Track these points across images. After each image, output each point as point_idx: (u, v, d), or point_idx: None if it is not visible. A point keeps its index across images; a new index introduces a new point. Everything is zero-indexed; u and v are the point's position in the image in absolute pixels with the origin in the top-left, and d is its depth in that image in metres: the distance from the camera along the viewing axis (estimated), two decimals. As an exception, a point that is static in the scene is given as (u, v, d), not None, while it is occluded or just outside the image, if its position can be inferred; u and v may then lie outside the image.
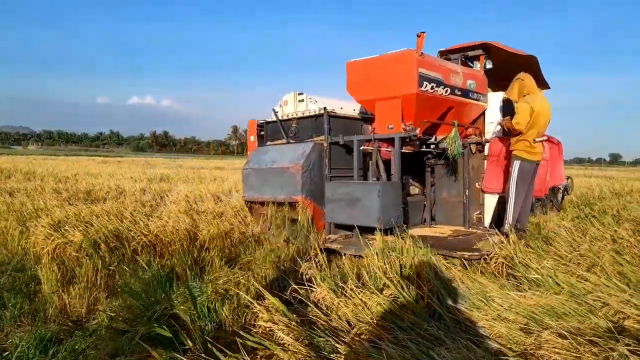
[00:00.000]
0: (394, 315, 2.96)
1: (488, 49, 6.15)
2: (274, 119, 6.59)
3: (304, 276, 3.67)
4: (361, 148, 5.75)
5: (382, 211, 5.03)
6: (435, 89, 5.23)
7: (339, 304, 3.10)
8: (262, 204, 6.27)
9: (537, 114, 5.16)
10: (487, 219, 6.11)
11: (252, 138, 7.01)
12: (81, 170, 17.77)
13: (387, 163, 5.61)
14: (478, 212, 6.23)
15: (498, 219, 5.96)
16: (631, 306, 3.88)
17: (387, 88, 5.24)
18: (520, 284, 4.00)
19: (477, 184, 6.23)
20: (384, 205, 5.04)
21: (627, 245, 5.37)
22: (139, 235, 5.65)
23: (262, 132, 6.96)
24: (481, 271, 4.18)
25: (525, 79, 5.41)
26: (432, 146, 5.94)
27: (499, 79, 6.31)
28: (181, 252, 5.38)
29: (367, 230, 5.35)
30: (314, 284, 3.39)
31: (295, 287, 3.36)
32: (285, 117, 6.53)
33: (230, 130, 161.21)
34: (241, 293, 3.48)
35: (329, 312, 3.04)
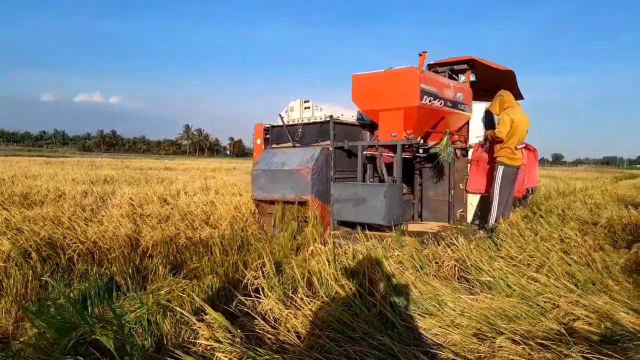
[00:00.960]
0: (345, 325, 2.81)
1: (472, 64, 6.76)
2: (280, 123, 7.00)
3: (249, 287, 3.45)
4: (364, 153, 6.32)
5: (388, 210, 5.61)
6: (432, 101, 5.89)
7: (287, 315, 2.92)
8: (271, 202, 6.65)
9: (516, 124, 5.93)
10: (470, 216, 6.81)
11: (259, 141, 7.30)
12: (20, 171, 16.75)
13: (387, 166, 6.25)
14: (462, 210, 6.88)
15: (479, 216, 6.69)
16: (580, 307, 3.92)
17: (391, 100, 5.82)
18: (473, 286, 3.95)
19: (461, 185, 6.86)
20: (389, 205, 5.61)
21: (574, 245, 5.47)
22: (75, 243, 5.27)
23: (268, 135, 7.29)
24: (434, 275, 4.10)
25: (505, 95, 6.20)
26: (423, 151, 6.59)
27: (481, 90, 7.00)
28: (122, 260, 5.06)
29: (370, 227, 5.90)
30: (262, 295, 3.20)
31: (242, 298, 3.14)
32: (290, 122, 6.95)
33: (182, 129, 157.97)
34: (177, 308, 3.21)
35: (277, 325, 2.86)
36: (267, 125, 7.30)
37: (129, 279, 4.70)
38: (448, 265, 4.21)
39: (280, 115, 7.04)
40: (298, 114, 6.95)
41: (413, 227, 6.55)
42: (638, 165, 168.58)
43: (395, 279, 3.48)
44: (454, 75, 6.87)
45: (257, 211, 7.03)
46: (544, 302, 3.92)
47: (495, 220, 6.01)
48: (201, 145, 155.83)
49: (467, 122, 6.93)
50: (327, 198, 6.26)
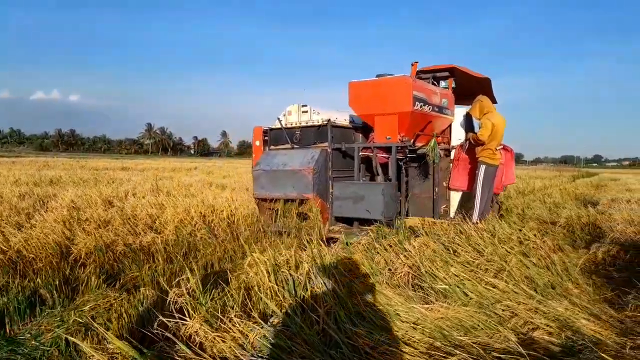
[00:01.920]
0: (280, 349, 2.47)
1: (453, 72, 7.25)
2: (278, 126, 7.37)
3: (172, 305, 3.04)
4: (360, 154, 6.77)
5: (385, 206, 6.14)
6: (423, 107, 6.42)
7: (214, 339, 2.55)
8: (272, 200, 6.95)
9: (496, 128, 6.45)
10: (452, 212, 7.28)
11: (258, 143, 7.61)
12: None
13: (382, 166, 6.69)
14: (445, 205, 7.33)
15: (461, 211, 6.95)
16: (540, 314, 3.71)
17: (386, 106, 6.33)
18: (427, 295, 3.68)
19: (444, 183, 7.32)
20: (386, 202, 6.15)
21: (533, 247, 5.30)
22: (-6, 252, 4.77)
23: (266, 138, 7.61)
24: (387, 282, 3.81)
25: (484, 100, 6.69)
26: (412, 152, 7.03)
27: (460, 95, 7.57)
28: (49, 270, 4.58)
29: (367, 223, 6.36)
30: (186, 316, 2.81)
31: (163, 319, 2.75)
32: (288, 125, 7.31)
33: (144, 128, 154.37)
34: (72, 339, 2.77)
35: (201, 352, 2.48)
36: (266, 128, 7.60)
37: (55, 291, 4.24)
38: (401, 272, 3.93)
39: (278, 118, 7.40)
40: (296, 117, 7.29)
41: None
42: (594, 164, 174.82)
43: (342, 290, 3.15)
44: (434, 82, 7.33)
45: (257, 210, 7.33)
46: (502, 310, 3.69)
47: (479, 215, 6.50)
48: (164, 145, 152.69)
49: (450, 125, 7.50)
50: (326, 196, 6.69)
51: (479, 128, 6.73)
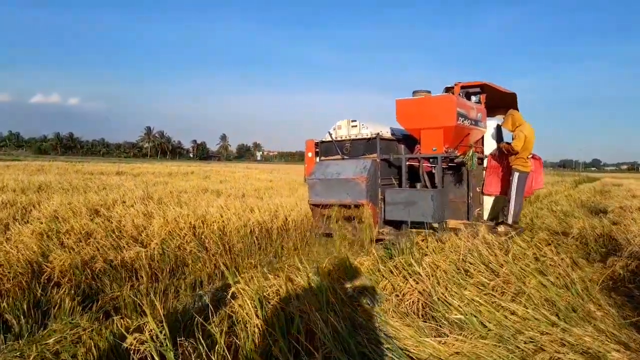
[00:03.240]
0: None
1: (484, 88, 7.93)
2: (328, 139, 8.03)
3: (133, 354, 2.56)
4: (407, 164, 7.37)
5: (435, 210, 6.66)
6: (464, 121, 7.04)
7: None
8: (326, 206, 7.49)
9: (528, 139, 7.09)
10: (486, 215, 7.96)
11: (310, 154, 8.27)
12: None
13: (428, 175, 7.23)
14: (479, 209, 7.97)
15: (493, 215, 7.93)
16: (567, 347, 3.28)
17: (432, 120, 6.95)
18: (441, 326, 3.24)
19: (477, 188, 7.97)
20: (436, 206, 6.68)
21: (550, 264, 4.88)
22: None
23: (317, 150, 8.22)
24: (394, 310, 3.36)
25: (515, 114, 7.36)
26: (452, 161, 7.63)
27: (489, 109, 8.19)
28: (18, 292, 4.13)
29: (417, 225, 6.89)
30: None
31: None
32: (338, 138, 7.94)
33: (143, 131, 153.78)
34: None
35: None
36: (317, 141, 8.22)
37: (22, 317, 3.80)
38: (410, 299, 3.48)
39: (329, 132, 8.06)
40: (345, 131, 7.91)
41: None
42: (593, 168, 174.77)
43: (343, 324, 2.71)
44: (466, 96, 7.93)
45: (311, 215, 7.87)
46: (525, 342, 3.26)
47: (514, 216, 7.21)
48: (163, 148, 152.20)
49: (482, 136, 8.10)
50: (376, 201, 7.23)
51: (512, 139, 7.27)
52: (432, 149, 7.02)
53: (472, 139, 7.61)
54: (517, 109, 7.89)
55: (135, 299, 4.61)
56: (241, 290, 2.85)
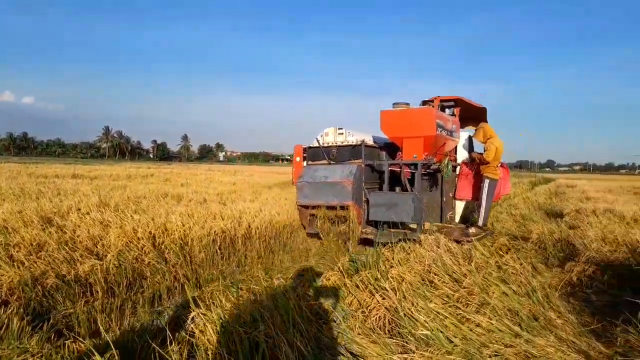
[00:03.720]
0: None
1: (458, 102, 8.64)
2: (316, 145, 8.63)
3: None
4: (389, 169, 7.96)
5: (415, 212, 7.26)
6: (441, 132, 7.75)
7: None
8: (314, 207, 8.07)
9: (498, 150, 7.78)
10: (457, 218, 8.65)
11: (298, 159, 8.80)
12: None
13: (408, 179, 7.92)
14: (451, 213, 8.65)
15: (464, 218, 8.68)
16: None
17: (413, 130, 7.63)
18: (407, 342, 3.19)
19: (450, 194, 8.62)
20: (415, 208, 7.27)
21: (512, 273, 4.94)
22: None
23: (305, 155, 8.78)
24: (360, 327, 3.30)
25: (486, 127, 8.04)
26: (429, 168, 8.35)
27: (462, 121, 9.08)
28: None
29: (396, 226, 7.50)
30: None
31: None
32: (325, 145, 8.57)
33: (101, 131, 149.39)
34: None
35: None
36: (305, 146, 8.78)
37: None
38: (377, 314, 3.42)
39: (317, 139, 8.65)
40: (332, 138, 8.54)
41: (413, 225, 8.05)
42: (547, 169, 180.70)
43: (309, 346, 2.62)
44: (442, 109, 8.58)
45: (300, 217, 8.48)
46: (490, 357, 3.26)
47: (484, 219, 7.90)
48: (122, 149, 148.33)
49: (456, 146, 8.91)
50: (360, 203, 7.81)
51: (484, 150, 7.92)
52: (413, 156, 7.69)
53: (447, 148, 8.43)
54: (486, 122, 8.58)
55: (90, 315, 4.43)
56: (202, 316, 2.72)
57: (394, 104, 7.92)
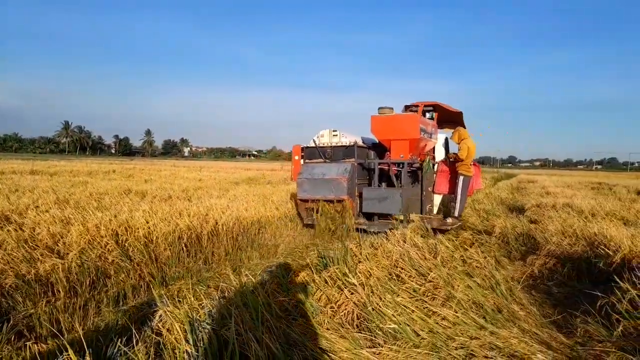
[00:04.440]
0: None
1: (436, 107, 9.82)
2: (312, 145, 9.51)
3: None
4: (379, 167, 9.03)
5: (402, 204, 8.39)
6: (424, 135, 8.91)
7: None
8: (313, 201, 8.91)
9: (471, 150, 8.93)
10: (435, 210, 9.74)
11: (297, 157, 9.67)
12: None
13: (395, 176, 9.00)
14: (430, 205, 9.60)
15: (441, 210, 9.84)
16: (495, 352, 3.38)
17: (400, 133, 8.76)
18: (375, 336, 3.22)
19: (429, 188, 9.56)
20: (403, 201, 8.41)
21: (476, 266, 5.05)
22: None
23: (303, 154, 9.64)
24: (328, 322, 3.31)
25: (461, 130, 9.26)
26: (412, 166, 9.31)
27: (439, 123, 10.33)
28: None
29: (385, 217, 8.84)
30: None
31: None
32: (321, 145, 9.47)
33: (61, 126, 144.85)
34: None
35: None
36: (303, 146, 9.65)
37: None
38: (345, 309, 3.44)
39: (313, 139, 9.53)
40: (327, 139, 9.45)
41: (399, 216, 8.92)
42: (509, 165, 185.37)
43: (277, 342, 2.61)
44: (423, 114, 9.54)
45: (300, 207, 9.33)
46: (456, 349, 3.32)
47: (459, 210, 9.03)
48: (82, 144, 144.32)
49: (434, 146, 10.11)
50: (354, 197, 8.81)
51: (458, 150, 9.04)
52: (400, 155, 8.77)
53: (427, 148, 9.61)
54: (463, 125, 9.89)
55: (52, 315, 4.30)
56: (169, 313, 2.67)
57: (379, 108, 8.92)
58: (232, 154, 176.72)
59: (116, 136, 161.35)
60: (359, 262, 4.28)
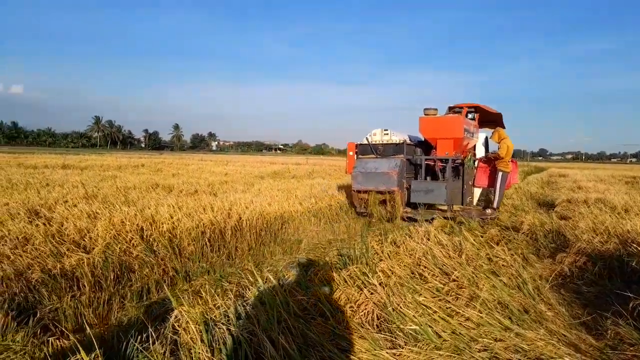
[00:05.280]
0: None
1: (477, 109, 10.83)
2: (365, 142, 10.59)
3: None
4: (425, 163, 10.25)
5: (448, 196, 9.53)
6: (466, 134, 10.00)
7: None
8: (365, 192, 10.00)
9: (509, 149, 9.81)
10: (475, 201, 10.69)
11: (351, 153, 10.75)
12: None
13: (440, 170, 10.11)
14: (470, 197, 10.41)
15: (481, 201, 10.99)
16: (521, 355, 3.27)
17: (445, 133, 9.88)
18: (396, 337, 3.15)
19: (470, 182, 10.36)
20: (447, 193, 9.54)
21: (503, 265, 4.92)
22: None
23: (356, 150, 10.71)
24: (348, 322, 3.26)
25: (500, 130, 10.07)
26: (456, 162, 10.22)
27: (480, 124, 11.46)
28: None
29: (430, 207, 10.05)
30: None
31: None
32: (373, 143, 10.50)
33: (91, 120, 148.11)
34: None
35: None
36: (357, 143, 10.74)
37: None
38: (365, 309, 3.38)
39: (366, 137, 10.60)
40: (379, 137, 10.48)
41: (442, 207, 10.08)
42: (540, 158, 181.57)
43: (294, 343, 2.57)
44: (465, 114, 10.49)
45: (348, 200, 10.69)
46: (479, 351, 3.23)
47: (497, 204, 9.90)
48: (113, 138, 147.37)
49: (475, 145, 11.16)
50: (403, 189, 9.82)
51: (498, 149, 10.00)
52: (445, 153, 9.91)
53: (469, 146, 10.62)
54: (502, 125, 11.11)
55: (76, 310, 4.36)
56: (184, 313, 2.66)
57: (424, 109, 10.07)
58: (259, 147, 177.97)
59: (146, 130, 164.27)
60: (380, 260, 4.21)
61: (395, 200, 9.59)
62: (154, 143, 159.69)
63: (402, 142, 10.19)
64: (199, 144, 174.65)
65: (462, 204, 10.22)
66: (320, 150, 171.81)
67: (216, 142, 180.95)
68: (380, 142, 10.48)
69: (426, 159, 10.23)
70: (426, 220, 8.49)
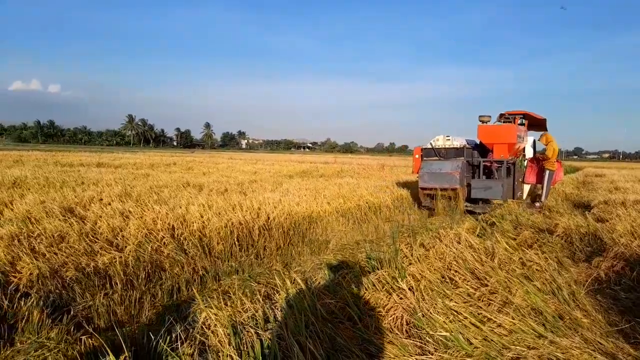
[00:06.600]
0: None
1: (526, 115, 12.33)
2: (429, 147, 12.24)
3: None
4: (483, 164, 11.68)
5: (504, 192, 10.93)
6: (518, 139, 11.42)
7: None
8: (431, 189, 11.62)
9: (555, 150, 11.74)
10: (524, 196, 12.39)
11: (417, 156, 12.43)
12: None
13: (497, 170, 11.52)
14: (520, 192, 11.94)
15: (530, 196, 12.96)
16: (555, 363, 3.18)
17: (501, 139, 11.37)
18: (425, 344, 3.10)
19: (520, 179, 11.97)
20: (503, 190, 10.95)
21: (537, 269, 4.78)
22: None
23: (422, 153, 12.36)
24: (377, 326, 3.22)
25: (547, 134, 12.04)
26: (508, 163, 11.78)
27: (528, 128, 12.90)
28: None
29: (487, 202, 11.43)
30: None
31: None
32: (437, 147, 12.13)
33: (125, 119, 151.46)
34: None
35: None
36: (422, 147, 12.37)
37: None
38: (394, 314, 3.33)
39: (430, 142, 12.27)
40: (442, 142, 12.13)
41: (498, 200, 11.32)
42: (575, 157, 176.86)
43: (322, 348, 2.55)
44: (514, 120, 12.04)
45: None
46: (511, 359, 3.14)
47: (545, 197, 11.81)
48: (146, 136, 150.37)
49: (524, 147, 12.62)
50: (464, 186, 11.35)
51: (546, 150, 11.95)
52: (500, 155, 11.35)
53: (520, 148, 12.12)
54: (546, 128, 13.25)
55: (109, 307, 4.45)
56: (212, 315, 2.67)
57: (479, 116, 11.58)
58: (287, 146, 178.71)
59: (177, 129, 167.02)
60: (410, 263, 4.15)
61: (458, 196, 11.14)
62: (186, 141, 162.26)
63: (462, 146, 11.90)
64: (229, 142, 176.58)
65: (514, 198, 11.47)
66: (349, 148, 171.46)
67: (246, 141, 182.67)
68: (443, 147, 12.12)
69: (484, 161, 11.69)
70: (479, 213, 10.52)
